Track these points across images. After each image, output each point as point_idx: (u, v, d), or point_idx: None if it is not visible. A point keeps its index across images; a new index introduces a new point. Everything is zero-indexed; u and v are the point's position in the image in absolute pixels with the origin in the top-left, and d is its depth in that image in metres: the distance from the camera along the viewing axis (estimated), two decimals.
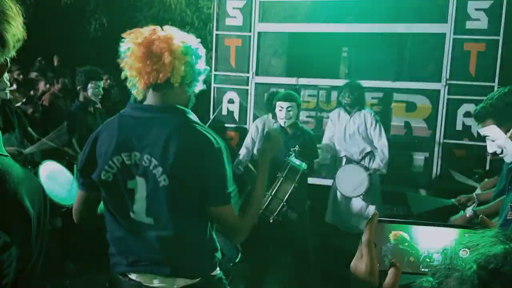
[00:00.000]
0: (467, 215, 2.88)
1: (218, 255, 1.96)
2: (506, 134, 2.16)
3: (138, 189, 1.82)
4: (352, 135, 4.79)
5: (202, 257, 1.91)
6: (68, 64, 8.18)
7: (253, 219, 1.93)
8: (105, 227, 1.95)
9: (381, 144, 4.70)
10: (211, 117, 5.48)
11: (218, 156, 1.79)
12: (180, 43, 1.84)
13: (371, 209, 4.71)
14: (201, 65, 1.91)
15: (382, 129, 4.77)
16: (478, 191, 3.59)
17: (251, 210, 1.92)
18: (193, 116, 1.88)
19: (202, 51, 1.92)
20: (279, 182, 3.68)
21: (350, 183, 4.62)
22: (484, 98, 5.24)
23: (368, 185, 4.58)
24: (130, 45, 1.82)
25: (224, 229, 1.90)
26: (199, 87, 1.94)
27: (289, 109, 4.00)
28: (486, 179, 4.16)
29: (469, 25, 5.17)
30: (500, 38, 5.07)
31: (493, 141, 2.22)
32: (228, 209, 1.83)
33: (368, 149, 4.78)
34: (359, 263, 1.03)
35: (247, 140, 4.74)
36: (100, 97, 4.81)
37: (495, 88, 5.02)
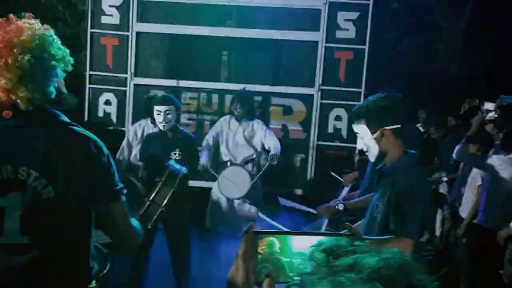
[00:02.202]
0: (339, 209, 3.04)
1: (96, 266, 1.86)
2: (372, 135, 2.35)
3: (10, 207, 1.63)
4: (240, 143, 4.86)
5: (80, 271, 1.79)
6: None
7: (138, 236, 1.87)
8: None
9: (275, 141, 4.81)
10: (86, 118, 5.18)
11: (103, 154, 1.71)
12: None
13: (253, 210, 4.81)
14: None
15: (273, 133, 4.92)
16: (343, 192, 3.82)
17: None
18: (65, 118, 1.75)
19: None
20: (158, 187, 3.59)
21: (233, 185, 4.68)
22: (352, 103, 5.68)
23: (250, 187, 4.67)
24: None
25: (113, 233, 1.79)
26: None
27: (168, 112, 3.93)
28: (345, 175, 4.53)
29: (339, 34, 5.53)
30: (366, 47, 5.50)
31: (362, 139, 2.41)
32: (119, 207, 1.75)
33: (253, 156, 4.89)
34: (235, 275, 1.03)
35: (124, 146, 4.57)
36: None
37: (362, 94, 5.44)
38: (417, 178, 2.34)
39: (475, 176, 4.45)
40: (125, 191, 1.79)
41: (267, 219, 3.45)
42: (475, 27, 9.08)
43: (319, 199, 3.31)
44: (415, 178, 2.32)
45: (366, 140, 2.40)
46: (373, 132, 2.36)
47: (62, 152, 1.65)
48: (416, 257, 0.79)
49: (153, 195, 3.58)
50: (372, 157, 2.46)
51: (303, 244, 1.03)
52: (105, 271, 2.10)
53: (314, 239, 1.00)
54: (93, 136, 1.73)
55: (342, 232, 1.07)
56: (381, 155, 2.45)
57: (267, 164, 4.71)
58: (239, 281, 1.01)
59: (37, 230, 1.66)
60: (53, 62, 1.70)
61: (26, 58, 1.62)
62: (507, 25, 8.54)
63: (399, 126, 2.34)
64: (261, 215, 4.11)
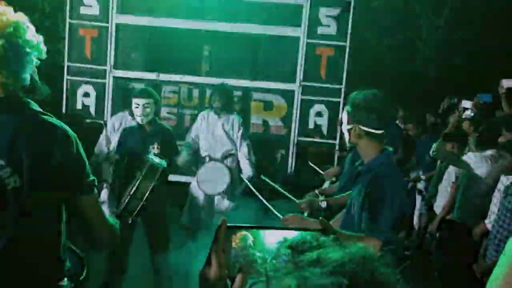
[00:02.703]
0: (322, 206, 3.07)
1: (68, 263, 1.83)
2: (347, 125, 2.40)
3: None
4: (219, 137, 4.82)
5: (50, 264, 1.76)
6: None
7: (114, 232, 1.86)
8: None
9: (246, 151, 4.79)
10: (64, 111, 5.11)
11: (74, 145, 1.68)
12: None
13: (232, 206, 4.79)
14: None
15: (244, 136, 4.85)
16: (325, 185, 3.86)
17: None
18: (36, 107, 1.72)
19: None
20: (138, 181, 3.55)
21: (212, 181, 4.64)
22: (332, 99, 5.65)
23: (230, 182, 4.65)
24: None
25: (86, 227, 1.77)
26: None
27: (146, 105, 3.88)
28: (329, 169, 4.57)
29: (321, 30, 5.55)
30: (347, 43, 5.52)
31: (343, 124, 2.49)
32: (91, 200, 1.74)
33: (232, 151, 4.86)
34: (208, 270, 1.02)
35: (101, 139, 4.51)
36: None
37: (342, 90, 5.48)
38: (391, 177, 2.33)
39: (450, 173, 4.53)
40: (95, 183, 1.77)
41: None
42: (455, 26, 9.21)
43: (299, 195, 3.32)
44: (388, 177, 2.31)
45: (344, 126, 2.46)
46: (348, 123, 2.40)
47: (28, 140, 1.62)
48: (382, 252, 0.80)
49: (133, 189, 3.54)
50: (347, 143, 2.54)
51: (276, 239, 1.03)
52: (82, 277, 2.06)
53: (287, 234, 1.00)
54: (63, 126, 1.70)
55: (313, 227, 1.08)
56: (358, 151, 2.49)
57: (243, 185, 4.65)
58: (212, 276, 1.01)
59: (4, 220, 1.63)
60: (27, 49, 1.67)
61: None
62: (486, 24, 8.68)
63: (373, 130, 2.33)
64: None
